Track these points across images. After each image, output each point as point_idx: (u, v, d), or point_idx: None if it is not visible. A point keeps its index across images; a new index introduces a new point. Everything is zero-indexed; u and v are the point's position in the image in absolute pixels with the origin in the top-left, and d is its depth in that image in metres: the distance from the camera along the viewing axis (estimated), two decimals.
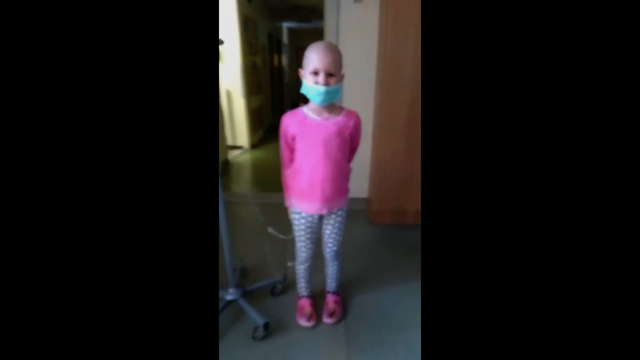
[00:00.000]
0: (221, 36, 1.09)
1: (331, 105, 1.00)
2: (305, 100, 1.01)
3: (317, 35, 2.13)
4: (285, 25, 6.71)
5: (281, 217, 1.20)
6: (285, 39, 7.00)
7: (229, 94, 3.72)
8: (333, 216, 1.14)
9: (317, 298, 1.38)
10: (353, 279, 1.54)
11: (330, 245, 1.21)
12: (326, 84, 0.90)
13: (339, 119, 1.00)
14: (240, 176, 3.22)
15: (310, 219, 1.12)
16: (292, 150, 1.06)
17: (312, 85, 0.92)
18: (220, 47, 1.08)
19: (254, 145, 4.15)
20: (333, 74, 0.91)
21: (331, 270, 1.29)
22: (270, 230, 1.38)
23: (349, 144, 1.04)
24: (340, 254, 1.27)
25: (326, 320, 1.27)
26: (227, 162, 3.37)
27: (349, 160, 1.11)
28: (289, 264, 1.41)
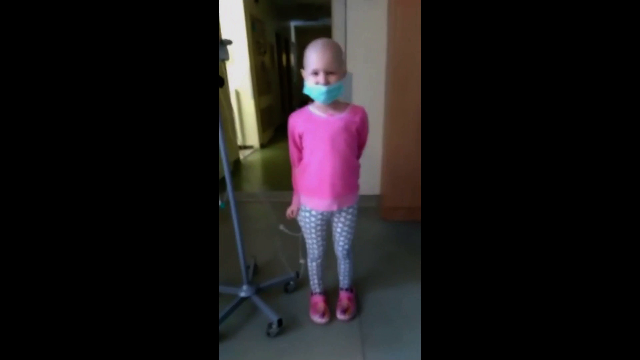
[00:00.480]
0: (229, 37, 1.10)
1: (336, 102, 1.00)
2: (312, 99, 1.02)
3: (325, 33, 2.12)
4: (293, 24, 6.71)
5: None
6: (293, 37, 7.01)
7: (238, 94, 3.75)
8: (344, 214, 1.14)
9: (330, 294, 1.38)
10: (366, 276, 1.54)
11: (341, 243, 1.21)
12: (326, 82, 0.90)
13: (344, 114, 1.00)
14: (251, 175, 3.25)
15: (320, 216, 1.12)
16: (300, 149, 1.07)
17: (313, 86, 0.92)
18: (229, 48, 1.09)
19: (263, 145, 4.18)
20: (332, 72, 0.91)
21: (343, 268, 1.29)
22: (281, 227, 1.40)
23: (356, 139, 1.04)
24: (352, 252, 1.27)
25: (340, 316, 1.27)
26: (238, 162, 3.40)
27: (358, 156, 1.11)
28: (301, 261, 1.41)
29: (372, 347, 1.16)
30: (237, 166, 3.32)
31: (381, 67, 1.99)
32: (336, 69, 0.91)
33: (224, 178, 1.20)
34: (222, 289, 1.32)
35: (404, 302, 1.37)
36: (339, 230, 1.18)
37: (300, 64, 0.99)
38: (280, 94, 5.55)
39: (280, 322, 1.21)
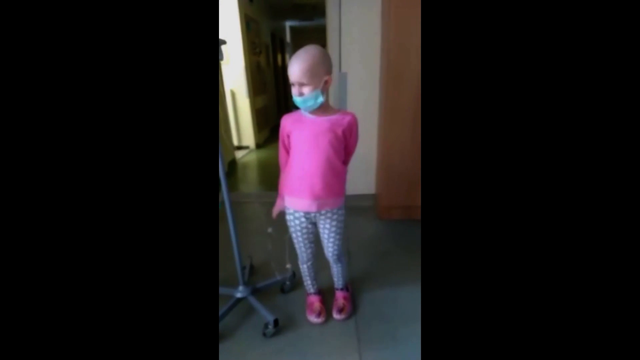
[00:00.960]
0: (224, 37, 1.10)
1: (326, 107, 1.02)
2: None
3: (320, 33, 2.13)
4: (288, 24, 6.71)
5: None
6: (288, 37, 7.00)
7: (233, 95, 3.74)
8: (328, 219, 1.12)
9: (327, 294, 1.38)
10: (362, 275, 1.55)
11: (330, 249, 1.19)
12: (300, 94, 0.94)
13: (333, 117, 1.02)
14: (246, 176, 3.24)
15: (303, 219, 1.12)
16: (288, 150, 1.08)
17: (294, 97, 0.97)
18: (224, 48, 1.09)
19: (259, 145, 4.17)
20: (304, 83, 0.93)
21: (336, 271, 1.29)
22: (269, 230, 1.40)
23: (342, 142, 1.04)
24: (344, 256, 1.26)
25: (336, 316, 1.27)
26: (233, 163, 3.39)
27: (345, 162, 1.11)
28: (288, 265, 1.42)
29: (369, 346, 1.16)
30: (232, 167, 3.30)
31: (376, 66, 2.00)
32: (308, 81, 0.92)
33: (219, 178, 1.19)
34: (219, 289, 1.32)
35: (400, 301, 1.37)
36: (325, 235, 1.16)
37: None
38: (276, 94, 5.54)
39: (276, 322, 1.21)
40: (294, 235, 1.18)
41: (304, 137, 1.02)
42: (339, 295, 1.33)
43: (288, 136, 1.05)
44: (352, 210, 2.21)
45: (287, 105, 6.34)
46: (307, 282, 1.32)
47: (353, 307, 1.34)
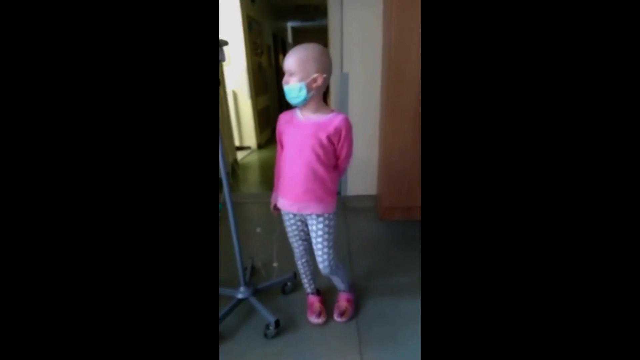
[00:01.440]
0: (226, 37, 1.10)
1: (318, 106, 0.99)
2: None
3: (322, 34, 2.13)
4: (290, 24, 6.71)
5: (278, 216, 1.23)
6: (290, 38, 7.01)
7: (235, 95, 3.74)
8: (314, 223, 1.08)
9: (328, 293, 1.38)
10: (363, 276, 1.54)
11: (320, 257, 1.12)
12: (285, 82, 0.94)
13: (320, 120, 0.98)
14: (248, 176, 3.24)
15: (291, 215, 1.13)
16: (282, 147, 1.09)
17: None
18: (225, 49, 1.09)
19: (261, 146, 4.17)
20: (292, 72, 0.92)
21: (335, 280, 1.27)
22: (258, 230, 1.41)
23: (329, 147, 0.99)
24: (339, 267, 1.21)
25: (337, 319, 1.27)
26: (235, 163, 3.39)
27: (339, 168, 1.07)
28: (274, 264, 1.43)
29: (370, 347, 1.16)
30: (234, 167, 3.31)
31: (377, 67, 2.00)
32: (297, 71, 0.91)
33: (220, 179, 1.19)
34: (220, 290, 1.32)
35: (401, 302, 1.37)
36: (314, 240, 1.11)
37: None
38: (278, 95, 5.54)
39: (277, 323, 1.21)
40: (287, 230, 1.19)
41: (292, 139, 1.02)
42: (342, 297, 1.32)
43: (281, 133, 1.07)
44: (353, 211, 2.21)
45: (288, 106, 6.31)
46: (305, 281, 1.32)
47: (355, 309, 1.33)
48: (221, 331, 1.22)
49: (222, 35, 1.02)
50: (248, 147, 4.03)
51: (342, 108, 2.08)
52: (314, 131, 0.98)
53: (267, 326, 1.21)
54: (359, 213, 2.16)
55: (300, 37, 7.30)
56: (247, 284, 1.34)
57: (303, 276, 1.31)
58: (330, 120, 0.98)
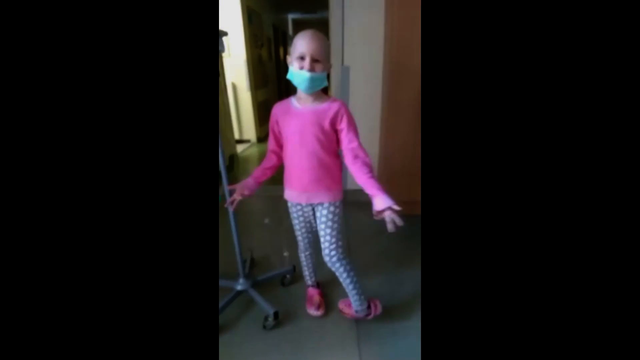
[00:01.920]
0: (225, 29, 1.09)
1: (317, 93, 0.98)
2: None
3: (323, 26, 2.10)
4: (291, 16, 6.64)
5: (283, 208, 1.22)
6: (290, 30, 6.94)
7: (234, 88, 3.72)
8: (323, 211, 1.07)
9: (327, 286, 1.39)
10: (362, 270, 1.55)
11: (326, 243, 1.08)
12: (311, 69, 0.89)
13: (319, 107, 0.97)
14: (247, 170, 3.24)
15: (299, 206, 1.12)
16: (277, 139, 1.07)
17: (297, 72, 0.91)
18: (225, 40, 1.08)
19: (260, 139, 4.16)
20: (318, 60, 0.90)
21: (344, 283, 1.14)
22: (266, 221, 1.41)
23: (331, 135, 0.98)
24: (345, 264, 1.11)
25: (312, 311, 1.27)
26: (234, 156, 3.39)
27: (362, 158, 0.98)
28: (285, 254, 1.43)
29: (368, 339, 1.17)
30: (233, 160, 3.30)
31: (378, 60, 1.98)
32: (322, 59, 0.90)
33: (219, 172, 1.19)
34: (219, 282, 1.33)
35: (400, 295, 1.38)
36: (321, 229, 1.09)
37: None
38: (278, 88, 5.51)
39: (276, 314, 1.22)
40: (293, 222, 1.18)
41: (291, 130, 1.00)
42: (346, 305, 1.24)
43: (277, 123, 1.04)
44: (352, 206, 2.21)
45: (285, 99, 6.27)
46: (306, 273, 1.33)
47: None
48: (220, 323, 1.23)
49: (222, 26, 1.00)
50: (248, 141, 4.02)
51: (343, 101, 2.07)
52: (314, 118, 0.97)
53: (266, 318, 1.22)
54: (358, 207, 2.16)
55: (301, 29, 7.16)
56: (246, 276, 1.34)
57: (305, 268, 1.31)
58: (329, 106, 0.97)
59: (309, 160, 1.00)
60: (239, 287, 1.32)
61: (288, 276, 1.47)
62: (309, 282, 1.34)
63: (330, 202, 1.06)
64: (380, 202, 0.92)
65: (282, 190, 1.12)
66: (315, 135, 0.97)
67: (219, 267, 1.27)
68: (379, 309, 1.23)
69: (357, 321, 1.25)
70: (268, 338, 1.18)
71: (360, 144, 0.99)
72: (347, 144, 0.98)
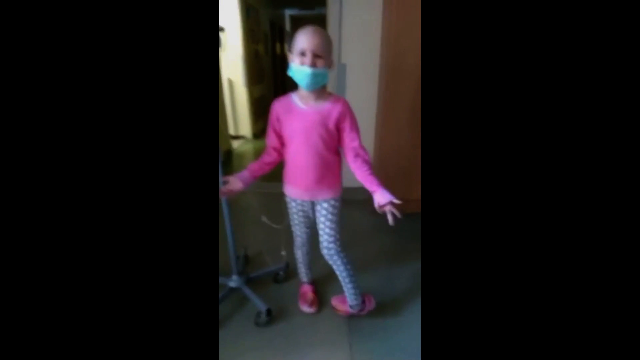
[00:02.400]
0: (222, 24, 1.08)
1: (319, 91, 0.98)
2: None
3: (321, 22, 2.09)
4: (288, 12, 6.59)
5: (282, 205, 1.22)
6: (287, 26, 6.89)
7: (230, 83, 3.69)
8: (325, 205, 1.10)
9: (320, 284, 1.39)
10: (357, 267, 1.55)
11: (325, 237, 1.11)
12: (313, 64, 0.89)
13: (323, 106, 0.97)
14: (242, 166, 3.21)
15: (300, 201, 1.12)
16: (278, 135, 1.05)
17: (298, 68, 0.90)
18: (222, 35, 1.07)
19: (256, 135, 4.14)
20: (320, 55, 0.89)
21: (340, 277, 1.16)
22: (263, 219, 1.40)
23: (334, 134, 0.99)
24: (343, 257, 1.14)
25: (305, 308, 1.28)
26: (229, 152, 3.37)
27: (363, 157, 1.00)
28: (282, 252, 1.43)
29: (359, 336, 1.18)
30: (228, 156, 3.28)
31: (376, 58, 1.98)
32: (324, 54, 0.90)
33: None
34: None
35: (392, 292, 1.39)
36: (321, 223, 1.11)
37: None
38: (274, 84, 5.47)
39: (269, 311, 1.22)
40: (291, 218, 1.18)
41: (294, 129, 1.00)
42: (340, 301, 1.25)
43: (278, 120, 1.02)
44: (348, 204, 2.20)
45: (284, 94, 6.24)
46: (301, 270, 1.33)
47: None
48: None
49: (219, 21, 0.99)
50: (243, 137, 3.99)
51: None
52: (319, 119, 0.97)
53: (259, 314, 1.22)
54: (354, 205, 2.16)
55: (299, 25, 7.13)
56: (239, 273, 1.34)
57: (301, 265, 1.31)
58: (333, 106, 0.97)
59: (313, 159, 1.01)
60: (232, 284, 1.32)
61: (281, 273, 1.47)
62: (304, 279, 1.35)
63: (332, 197, 1.09)
64: (381, 197, 0.96)
65: (276, 188, 1.13)
66: (320, 135, 0.98)
67: (218, 264, 1.27)
68: (373, 304, 1.25)
69: (348, 318, 1.26)
70: (261, 334, 1.19)
71: (360, 143, 1.01)
72: (349, 142, 1.01)
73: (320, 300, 1.32)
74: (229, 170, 3.28)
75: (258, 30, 4.24)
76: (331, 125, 0.98)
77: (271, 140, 1.07)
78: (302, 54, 0.89)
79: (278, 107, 1.02)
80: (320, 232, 1.14)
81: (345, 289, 1.19)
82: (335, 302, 1.29)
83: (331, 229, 1.12)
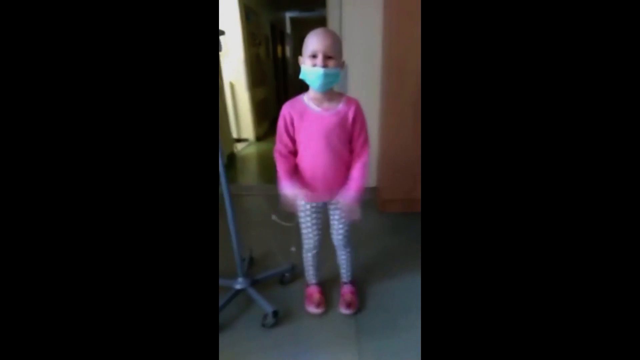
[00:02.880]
0: (222, 27, 1.09)
1: (331, 92, 0.98)
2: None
3: (321, 24, 2.09)
4: (288, 15, 6.62)
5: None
6: (288, 29, 6.92)
7: (232, 87, 3.71)
8: (337, 204, 1.13)
9: (327, 286, 1.39)
10: (362, 266, 1.55)
11: (340, 231, 1.20)
12: (324, 66, 0.89)
13: (339, 108, 0.99)
14: (246, 168, 3.23)
15: (315, 203, 1.13)
16: (292, 138, 1.03)
17: (310, 69, 0.91)
18: (222, 39, 1.08)
19: (259, 138, 4.15)
20: (332, 56, 0.90)
21: (343, 259, 1.28)
22: (273, 218, 1.40)
23: (349, 133, 1.03)
24: (351, 242, 1.25)
25: (344, 311, 1.26)
26: (232, 155, 3.38)
27: (362, 157, 1.04)
28: (292, 249, 1.42)
29: (367, 337, 1.18)
30: (232, 159, 3.30)
31: (377, 58, 1.98)
32: (335, 55, 0.90)
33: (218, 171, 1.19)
34: (218, 281, 1.33)
35: (399, 292, 1.38)
36: (336, 217, 1.17)
37: (296, 55, 0.98)
38: (276, 86, 5.49)
39: (275, 313, 1.22)
40: (303, 221, 1.17)
41: (313, 135, 0.99)
42: (347, 290, 1.31)
43: (292, 124, 1.00)
44: None
45: (287, 97, 6.26)
46: (310, 273, 1.32)
47: (359, 301, 1.32)
48: (219, 321, 1.23)
49: (219, 25, 1.00)
50: (246, 140, 4.01)
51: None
52: (338, 121, 0.99)
53: (265, 316, 1.22)
54: (358, 205, 2.16)
55: (299, 27, 7.20)
56: (245, 275, 1.34)
57: (310, 268, 1.31)
58: (348, 107, 0.99)
59: (334, 161, 1.02)
60: (237, 286, 1.32)
61: (287, 275, 1.47)
62: (313, 281, 1.34)
63: None
64: (350, 197, 1.05)
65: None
66: (339, 136, 1.00)
67: (218, 266, 1.28)
68: (356, 302, 1.32)
69: (356, 318, 1.25)
70: (267, 336, 1.18)
71: (364, 144, 1.05)
72: (354, 142, 1.04)
73: (327, 301, 1.32)
74: (233, 172, 3.28)
75: (259, 33, 4.26)
76: (348, 126, 1.00)
77: (288, 145, 1.03)
78: (314, 55, 0.90)
79: (291, 111, 1.00)
80: (337, 225, 1.19)
81: (347, 268, 1.31)
82: (343, 305, 1.28)
83: (346, 223, 1.18)
